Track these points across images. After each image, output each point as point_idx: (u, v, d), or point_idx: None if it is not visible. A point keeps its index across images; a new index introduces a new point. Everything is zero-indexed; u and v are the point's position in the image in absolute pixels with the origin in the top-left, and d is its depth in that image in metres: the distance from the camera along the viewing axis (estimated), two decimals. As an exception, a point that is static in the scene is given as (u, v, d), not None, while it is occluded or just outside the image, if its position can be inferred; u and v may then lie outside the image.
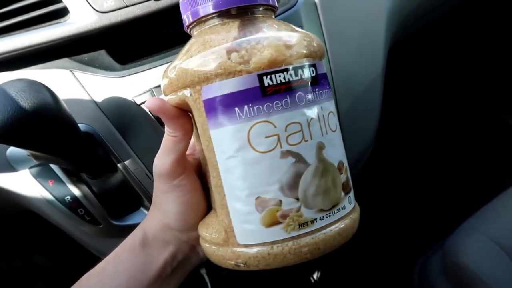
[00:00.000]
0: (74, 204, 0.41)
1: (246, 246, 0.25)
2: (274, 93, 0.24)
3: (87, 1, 0.39)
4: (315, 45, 0.26)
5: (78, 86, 0.40)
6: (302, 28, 0.44)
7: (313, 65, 0.26)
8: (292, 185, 0.24)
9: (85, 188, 0.41)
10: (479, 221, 0.62)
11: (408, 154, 1.16)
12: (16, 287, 0.87)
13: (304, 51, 0.25)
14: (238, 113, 0.24)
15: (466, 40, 1.10)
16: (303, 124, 0.24)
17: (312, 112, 0.25)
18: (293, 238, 0.24)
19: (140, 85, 0.40)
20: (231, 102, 0.24)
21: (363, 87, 0.50)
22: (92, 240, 0.45)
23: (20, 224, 0.76)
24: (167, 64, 0.40)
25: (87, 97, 0.40)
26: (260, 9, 0.26)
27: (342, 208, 0.26)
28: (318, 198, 0.25)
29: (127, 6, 0.39)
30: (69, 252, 0.77)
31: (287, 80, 0.24)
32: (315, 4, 0.46)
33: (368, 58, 0.50)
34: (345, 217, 0.26)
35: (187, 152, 0.33)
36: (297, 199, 0.24)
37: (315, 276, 0.91)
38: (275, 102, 0.24)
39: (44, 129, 0.31)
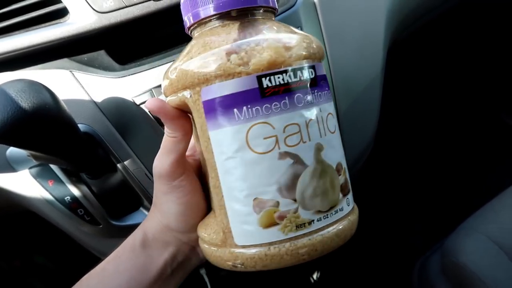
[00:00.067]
0: (73, 204, 0.41)
1: (243, 247, 0.25)
2: (272, 94, 0.24)
3: (87, 2, 0.39)
4: (314, 47, 0.26)
5: (77, 86, 0.40)
6: (301, 28, 0.44)
7: (312, 67, 0.26)
8: (290, 186, 0.24)
9: (84, 188, 0.41)
10: (478, 221, 0.62)
11: (407, 154, 1.16)
12: (16, 287, 0.87)
13: (303, 53, 0.25)
14: (237, 114, 0.24)
15: (465, 40, 1.10)
16: (302, 126, 0.24)
17: (311, 114, 0.25)
18: (290, 239, 0.24)
19: (140, 85, 0.40)
20: (230, 103, 0.24)
21: (363, 88, 0.50)
22: (92, 240, 0.45)
23: (20, 224, 0.76)
24: (167, 65, 0.40)
25: (86, 97, 0.40)
26: (260, 11, 0.27)
27: (340, 210, 0.26)
28: (316, 199, 0.25)
29: (126, 7, 0.39)
30: (69, 252, 0.77)
31: (286, 81, 0.24)
32: (314, 4, 0.46)
33: (368, 58, 0.50)
34: (343, 218, 0.26)
35: (188, 153, 0.33)
36: (295, 200, 0.24)
37: (314, 276, 0.91)
38: (273, 104, 0.24)
39: (43, 130, 0.31)
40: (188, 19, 0.27)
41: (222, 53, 0.24)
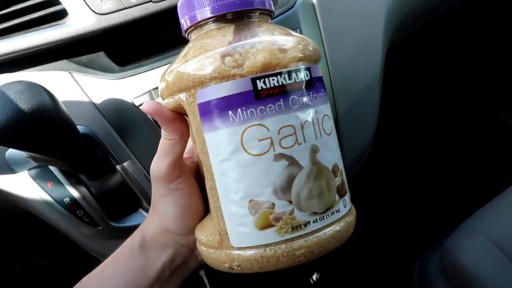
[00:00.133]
0: (73, 206, 0.41)
1: (240, 248, 0.25)
2: (267, 96, 0.24)
3: (86, 3, 0.39)
4: (310, 49, 0.26)
5: (76, 88, 0.40)
6: (300, 30, 0.44)
7: (308, 69, 0.26)
8: (285, 188, 0.24)
9: (83, 189, 0.41)
10: (478, 222, 0.62)
11: (407, 155, 1.16)
12: (16, 289, 0.87)
13: (299, 55, 0.25)
14: (232, 116, 0.24)
15: (465, 40, 1.10)
16: (297, 127, 0.24)
17: (306, 115, 0.25)
18: (286, 241, 0.24)
19: (139, 86, 0.40)
20: (225, 106, 0.24)
21: (362, 89, 0.50)
22: (91, 241, 0.45)
23: (20, 226, 0.76)
24: (166, 66, 0.40)
25: (85, 99, 0.40)
26: (256, 13, 0.27)
27: (336, 211, 0.26)
28: (312, 201, 0.25)
29: (125, 8, 0.39)
30: (69, 254, 0.76)
31: (280, 83, 0.24)
32: (313, 5, 0.46)
33: (367, 59, 0.50)
34: (339, 220, 0.26)
35: (185, 155, 0.33)
36: (290, 202, 0.24)
37: (314, 277, 0.91)
38: (268, 106, 0.24)
39: (42, 131, 0.31)
40: (185, 22, 0.27)
41: (217, 55, 0.24)
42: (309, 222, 0.25)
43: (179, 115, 0.28)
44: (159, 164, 0.29)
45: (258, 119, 0.24)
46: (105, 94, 0.40)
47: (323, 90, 0.27)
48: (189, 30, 0.28)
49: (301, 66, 0.25)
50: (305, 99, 0.25)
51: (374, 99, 0.51)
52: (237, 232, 0.25)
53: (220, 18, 0.26)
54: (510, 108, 1.13)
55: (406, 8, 0.59)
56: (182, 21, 0.27)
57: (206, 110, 0.25)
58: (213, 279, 0.48)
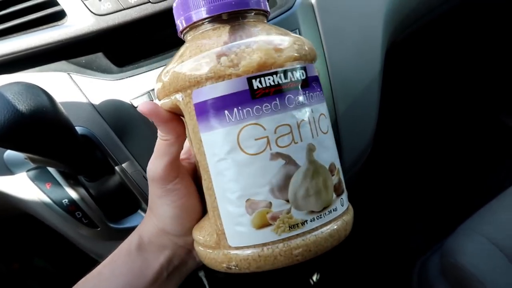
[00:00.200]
0: (71, 207, 0.41)
1: (237, 248, 0.25)
2: (263, 95, 0.24)
3: (84, 4, 0.39)
4: (306, 48, 0.26)
5: (75, 89, 0.40)
6: (299, 30, 0.44)
7: (303, 68, 0.26)
8: (282, 187, 0.24)
9: (82, 191, 0.41)
10: (478, 222, 0.62)
11: (407, 155, 1.16)
12: (15, 290, 0.87)
13: (294, 54, 0.25)
14: (228, 116, 0.24)
15: (465, 40, 1.10)
16: (293, 126, 0.25)
17: (302, 114, 0.25)
18: (283, 240, 0.24)
19: (138, 87, 0.40)
20: (221, 105, 0.24)
21: (361, 89, 0.50)
22: (90, 243, 0.45)
23: (19, 227, 0.76)
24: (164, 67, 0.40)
25: (84, 100, 0.40)
26: (252, 14, 0.27)
27: (333, 210, 0.26)
28: (309, 199, 0.25)
29: (124, 9, 0.39)
30: (68, 255, 0.76)
31: (276, 83, 0.24)
32: (312, 6, 0.46)
33: (366, 60, 0.50)
34: (337, 219, 0.26)
35: (183, 156, 0.33)
36: (287, 201, 0.24)
37: (314, 278, 0.91)
38: (264, 105, 0.24)
39: (41, 132, 0.31)
40: (180, 23, 0.27)
41: (212, 55, 0.24)
42: (306, 221, 0.25)
43: (175, 116, 0.28)
44: (156, 165, 0.29)
45: (254, 118, 0.24)
46: (103, 95, 0.40)
47: (319, 90, 0.27)
48: (184, 31, 0.28)
49: (297, 65, 0.25)
50: (301, 98, 0.25)
51: (373, 100, 0.51)
52: (234, 232, 0.25)
53: (215, 19, 0.26)
54: (510, 108, 1.13)
55: (406, 8, 0.59)
56: (177, 22, 0.28)
57: (202, 110, 0.25)
58: (212, 280, 0.48)
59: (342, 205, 0.27)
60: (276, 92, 0.24)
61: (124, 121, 0.40)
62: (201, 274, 0.46)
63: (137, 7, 0.40)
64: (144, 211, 0.44)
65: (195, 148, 0.27)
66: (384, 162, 1.08)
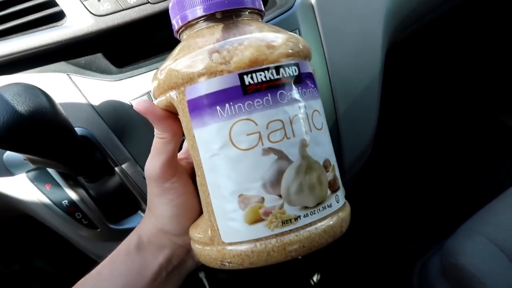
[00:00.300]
0: (71, 208, 0.41)
1: (230, 244, 0.25)
2: (255, 91, 0.24)
3: (84, 5, 0.39)
4: (300, 46, 0.27)
5: (74, 90, 0.40)
6: (299, 30, 0.44)
7: (296, 64, 0.26)
8: (274, 182, 0.24)
9: (82, 192, 0.41)
10: (478, 223, 0.62)
11: (407, 155, 1.16)
12: (15, 291, 0.86)
13: (287, 51, 0.25)
14: (220, 111, 0.24)
15: (465, 40, 1.10)
16: (285, 122, 0.25)
17: (295, 110, 0.25)
18: (276, 235, 0.24)
19: (137, 88, 0.40)
20: (213, 101, 0.24)
21: (361, 90, 0.50)
22: (90, 244, 0.45)
23: (19, 228, 0.76)
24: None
25: (84, 101, 0.40)
26: (246, 13, 0.27)
27: (328, 206, 0.26)
28: (302, 195, 0.25)
29: (123, 10, 0.39)
30: (69, 256, 0.76)
31: (268, 78, 0.24)
32: (312, 6, 0.46)
33: (366, 60, 0.50)
34: (331, 215, 0.26)
35: (181, 156, 0.33)
36: (280, 196, 0.24)
37: (315, 278, 0.91)
38: (256, 100, 0.24)
39: (40, 133, 0.31)
40: (176, 22, 0.28)
41: (204, 52, 0.24)
42: (299, 216, 0.25)
43: (171, 114, 0.28)
44: (153, 163, 0.29)
45: (246, 113, 0.24)
46: (103, 96, 0.40)
47: (313, 86, 0.27)
48: (180, 30, 0.28)
49: (289, 61, 0.25)
50: (293, 94, 0.25)
51: (373, 100, 0.51)
52: (228, 228, 0.25)
53: (209, 18, 0.26)
54: (510, 108, 1.13)
55: (406, 8, 0.59)
56: (173, 21, 0.28)
57: (195, 106, 0.25)
58: (213, 281, 0.48)
59: (337, 201, 0.27)
60: (267, 88, 0.24)
61: (124, 122, 0.40)
62: (202, 275, 0.46)
63: (136, 8, 0.40)
64: (144, 211, 0.44)
65: (189, 145, 0.27)
66: (384, 163, 1.08)
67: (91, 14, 0.39)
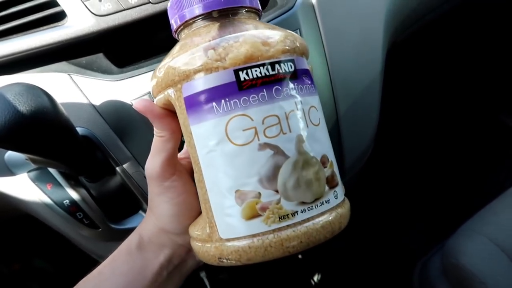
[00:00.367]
0: (72, 208, 0.41)
1: (228, 240, 0.25)
2: (250, 87, 0.24)
3: (85, 5, 0.39)
4: (295, 42, 0.27)
5: (76, 90, 0.40)
6: (300, 30, 0.44)
7: (292, 61, 0.26)
8: (271, 177, 0.24)
9: (83, 191, 0.41)
10: (479, 223, 0.62)
11: (408, 155, 1.16)
12: (15, 291, 0.86)
13: (282, 47, 0.26)
14: (216, 107, 0.24)
15: (465, 40, 1.10)
16: (281, 117, 0.25)
17: (290, 106, 0.25)
18: (273, 231, 0.24)
19: (138, 88, 0.40)
20: (209, 97, 0.24)
21: (362, 89, 0.50)
22: (91, 243, 0.45)
23: (19, 228, 0.76)
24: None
25: (85, 101, 0.40)
26: (243, 11, 0.27)
27: (326, 202, 0.26)
28: (299, 190, 0.25)
29: (124, 10, 0.39)
30: (69, 255, 0.76)
31: (263, 74, 0.25)
32: (313, 6, 0.46)
33: (367, 60, 0.50)
34: (330, 211, 0.26)
35: (182, 155, 0.33)
36: (277, 191, 0.24)
37: (315, 278, 0.91)
38: (251, 96, 0.24)
39: (42, 133, 0.31)
40: (175, 21, 0.28)
41: (200, 50, 0.25)
42: (296, 211, 0.25)
43: (170, 112, 0.29)
44: (153, 162, 0.29)
45: (241, 109, 0.24)
46: (104, 96, 0.40)
47: (309, 82, 0.27)
48: (178, 30, 0.28)
49: (285, 58, 0.26)
50: (289, 90, 0.25)
51: (374, 100, 0.51)
52: (225, 223, 0.25)
53: (206, 17, 0.27)
54: (510, 108, 1.13)
55: (406, 8, 0.59)
56: (172, 21, 0.28)
57: (191, 103, 0.25)
58: (214, 281, 0.48)
59: (335, 197, 0.27)
60: (263, 84, 0.24)
61: (125, 122, 0.40)
62: (203, 275, 0.46)
63: (138, 8, 0.40)
64: (145, 211, 0.44)
65: (186, 142, 0.27)
66: (385, 163, 1.08)
67: (92, 14, 0.39)
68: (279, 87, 0.25)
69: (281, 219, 0.24)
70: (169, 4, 0.28)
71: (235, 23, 0.26)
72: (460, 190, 1.07)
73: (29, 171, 0.40)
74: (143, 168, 0.41)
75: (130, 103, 0.40)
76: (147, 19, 0.40)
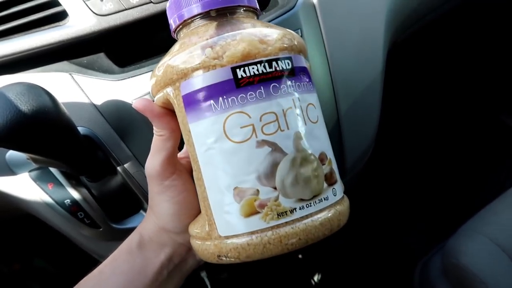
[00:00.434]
0: (73, 208, 0.41)
1: (227, 237, 0.25)
2: (247, 84, 0.24)
3: (86, 4, 0.39)
4: (292, 40, 0.27)
5: (77, 89, 0.40)
6: (301, 30, 0.44)
7: (289, 58, 0.26)
8: (269, 174, 0.24)
9: (84, 191, 0.41)
10: (479, 223, 0.62)
11: (408, 155, 1.16)
12: (16, 291, 0.86)
13: (279, 45, 0.26)
14: (214, 105, 0.24)
15: (465, 40, 1.10)
16: (279, 114, 0.25)
17: (288, 103, 0.25)
18: (272, 227, 0.24)
19: (139, 88, 0.40)
20: (207, 95, 0.25)
21: (363, 89, 0.50)
22: (92, 243, 0.45)
23: (20, 227, 0.76)
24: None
25: (86, 100, 0.40)
26: (240, 10, 0.27)
27: (324, 199, 0.26)
28: (297, 187, 0.25)
29: (126, 9, 0.39)
30: (69, 255, 0.76)
31: (260, 72, 0.25)
32: (314, 6, 0.46)
33: (368, 60, 0.50)
34: (328, 208, 0.26)
35: (182, 155, 0.33)
36: (275, 188, 0.24)
37: (315, 278, 0.91)
38: (249, 93, 0.24)
39: (43, 133, 0.31)
40: (173, 21, 0.28)
41: (198, 48, 0.25)
42: (295, 208, 0.25)
43: (169, 111, 0.29)
44: (153, 161, 0.29)
45: (239, 106, 0.24)
46: (105, 95, 0.40)
47: (307, 80, 0.27)
48: (177, 30, 0.28)
49: (282, 55, 0.26)
50: (286, 87, 0.25)
51: (375, 100, 0.51)
52: (224, 221, 0.25)
53: (205, 16, 0.27)
54: (511, 108, 1.13)
55: (407, 8, 0.59)
56: (171, 21, 0.28)
57: (189, 101, 0.25)
58: (214, 281, 0.48)
59: (334, 195, 0.27)
60: (260, 81, 0.25)
61: (126, 122, 0.40)
62: (203, 274, 0.46)
63: (139, 7, 0.40)
64: (146, 211, 0.44)
65: (185, 140, 0.27)
66: (385, 162, 1.08)
67: (94, 14, 0.39)
68: (276, 84, 0.25)
69: (280, 216, 0.24)
70: (167, 4, 0.28)
71: (233, 22, 0.27)
72: (460, 190, 1.07)
73: (30, 171, 0.40)
74: (144, 168, 0.41)
75: (131, 103, 0.40)
76: (148, 18, 0.40)
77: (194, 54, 0.25)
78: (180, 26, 0.28)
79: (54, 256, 0.90)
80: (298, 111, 0.26)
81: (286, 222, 0.24)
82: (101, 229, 0.43)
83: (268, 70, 0.25)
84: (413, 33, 0.70)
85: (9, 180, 0.41)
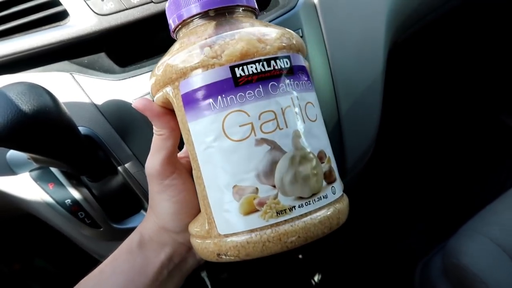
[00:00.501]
0: (74, 207, 0.41)
1: (226, 236, 0.25)
2: (246, 83, 0.25)
3: (87, 4, 0.39)
4: (291, 39, 0.27)
5: (78, 89, 0.40)
6: (302, 30, 0.44)
7: (288, 57, 0.26)
8: (268, 173, 0.24)
9: (85, 191, 0.41)
10: (480, 223, 0.62)
11: (409, 155, 1.16)
12: (16, 291, 0.86)
13: (278, 44, 0.26)
14: (212, 104, 0.25)
15: (466, 40, 1.10)
16: (277, 113, 0.25)
17: (286, 101, 0.25)
18: (271, 226, 0.24)
19: (140, 87, 0.40)
20: (206, 94, 0.25)
21: (364, 89, 0.50)
22: (93, 243, 0.45)
23: (20, 227, 0.76)
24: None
25: (87, 100, 0.40)
26: (239, 10, 0.28)
27: (324, 197, 0.26)
28: (296, 185, 0.25)
29: (126, 9, 0.39)
30: (70, 255, 0.76)
31: (259, 70, 0.25)
32: (314, 6, 0.46)
33: (368, 60, 0.50)
34: (328, 206, 0.26)
35: (182, 155, 0.33)
36: (274, 186, 0.24)
37: (316, 278, 0.91)
38: (247, 92, 0.24)
39: (44, 132, 0.31)
40: (173, 21, 0.28)
41: (197, 48, 0.25)
42: (294, 206, 0.25)
43: (169, 111, 0.29)
44: (153, 161, 0.30)
45: (238, 105, 0.24)
46: (106, 95, 0.40)
47: (306, 79, 0.27)
48: (176, 30, 0.29)
49: (281, 54, 0.26)
50: (285, 86, 0.26)
51: (376, 100, 0.51)
52: (223, 219, 0.25)
53: (203, 16, 0.27)
54: (511, 108, 1.13)
55: (407, 8, 0.59)
56: (170, 21, 0.29)
57: (188, 100, 0.25)
58: (215, 281, 0.48)
59: (333, 193, 0.27)
60: (259, 80, 0.25)
61: (127, 121, 0.40)
62: (204, 274, 0.46)
63: (140, 7, 0.40)
64: (147, 210, 0.44)
65: (184, 139, 0.27)
66: (386, 162, 1.08)
67: (95, 14, 0.39)
68: (275, 83, 0.25)
69: (279, 214, 0.24)
70: (167, 4, 0.28)
71: (232, 22, 0.27)
72: (461, 190, 1.07)
73: (31, 171, 0.40)
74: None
75: (132, 103, 0.40)
76: (149, 18, 0.40)
77: (193, 53, 0.25)
78: (179, 26, 0.28)
79: (54, 256, 0.90)
80: (296, 109, 0.26)
81: (285, 220, 0.25)
82: (101, 229, 0.43)
83: (267, 68, 0.25)
84: (413, 33, 0.70)
85: (10, 180, 0.41)
